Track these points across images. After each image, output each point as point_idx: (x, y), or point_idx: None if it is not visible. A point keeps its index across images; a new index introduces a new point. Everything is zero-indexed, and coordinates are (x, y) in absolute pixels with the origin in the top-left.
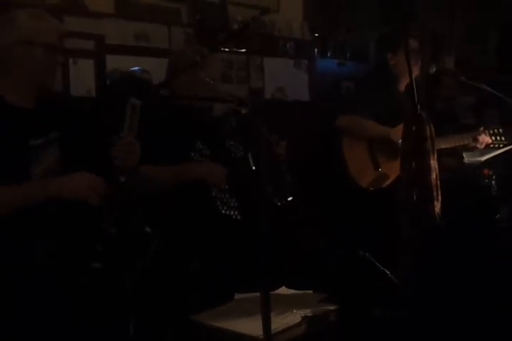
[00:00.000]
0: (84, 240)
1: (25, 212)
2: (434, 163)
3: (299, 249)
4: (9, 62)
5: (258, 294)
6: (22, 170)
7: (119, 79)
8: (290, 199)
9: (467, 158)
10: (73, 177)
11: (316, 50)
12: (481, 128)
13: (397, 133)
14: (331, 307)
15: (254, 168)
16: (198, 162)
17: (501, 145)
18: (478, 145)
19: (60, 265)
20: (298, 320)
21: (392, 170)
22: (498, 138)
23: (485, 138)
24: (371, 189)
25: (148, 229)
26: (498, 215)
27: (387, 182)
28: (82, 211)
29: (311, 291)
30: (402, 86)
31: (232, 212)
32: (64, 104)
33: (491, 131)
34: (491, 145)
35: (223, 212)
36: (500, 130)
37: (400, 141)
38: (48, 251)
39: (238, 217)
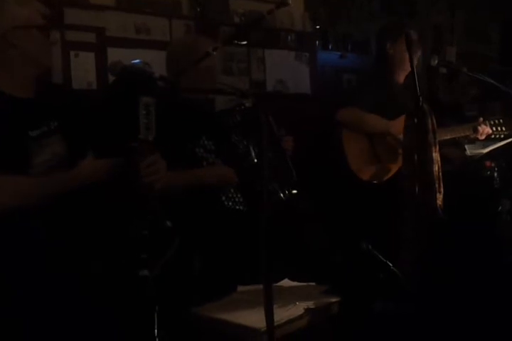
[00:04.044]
0: (129, 247)
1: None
2: (436, 156)
3: (303, 242)
4: (6, 50)
5: (261, 286)
6: (22, 161)
7: (123, 73)
8: (294, 192)
9: (469, 150)
10: (87, 168)
11: (317, 42)
12: (481, 119)
13: (396, 127)
14: (334, 300)
15: (256, 160)
16: (207, 165)
17: (502, 136)
18: (479, 136)
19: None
20: (300, 312)
21: (393, 163)
22: (499, 128)
23: (485, 129)
24: (372, 182)
25: (169, 224)
26: (500, 207)
27: (389, 176)
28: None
29: (313, 283)
30: (401, 77)
31: (237, 207)
32: (64, 94)
33: (492, 122)
34: (492, 136)
35: (228, 206)
36: (501, 120)
37: (400, 135)
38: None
39: (243, 211)
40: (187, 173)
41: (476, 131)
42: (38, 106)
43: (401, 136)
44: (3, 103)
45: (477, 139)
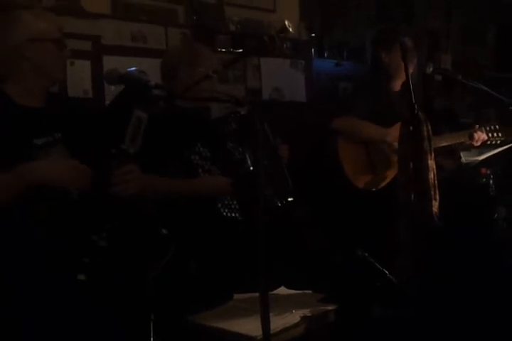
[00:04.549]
0: (72, 251)
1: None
2: (431, 163)
3: (302, 246)
4: (20, 62)
5: (257, 294)
6: None
7: (128, 87)
8: (290, 199)
9: (465, 157)
10: (59, 164)
11: (312, 50)
12: (476, 126)
13: (392, 135)
14: (330, 307)
15: (251, 168)
16: (203, 173)
17: (498, 142)
18: (475, 143)
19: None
20: (297, 320)
21: (389, 170)
22: (495, 134)
23: (481, 136)
24: (368, 190)
25: (164, 231)
26: (496, 214)
27: (384, 183)
28: (74, 220)
29: (310, 291)
30: (397, 85)
31: (233, 214)
32: (70, 105)
33: (488, 128)
34: (488, 142)
35: (225, 214)
36: (497, 126)
37: (396, 142)
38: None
39: (239, 218)
40: (185, 183)
41: (471, 137)
42: (45, 116)
43: (397, 144)
44: (12, 111)
45: (473, 146)
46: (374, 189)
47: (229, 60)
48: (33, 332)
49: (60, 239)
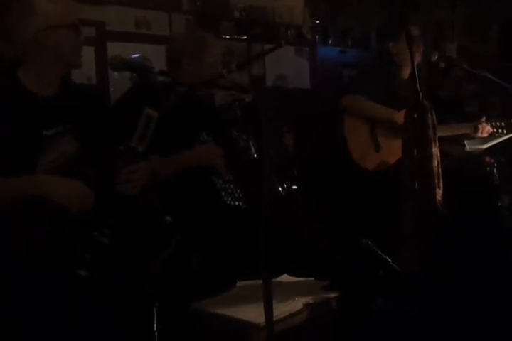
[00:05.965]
0: (73, 246)
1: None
2: (435, 151)
3: (303, 239)
4: (38, 49)
5: (260, 281)
6: (30, 160)
7: (140, 84)
8: (294, 187)
9: (469, 145)
10: (67, 184)
11: (317, 37)
12: (483, 118)
13: (401, 117)
14: (333, 295)
15: (255, 155)
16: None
17: (502, 136)
18: (479, 134)
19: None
20: (299, 308)
21: (393, 151)
22: (500, 130)
23: (486, 127)
24: (374, 170)
25: (168, 219)
26: (499, 203)
27: (389, 164)
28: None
29: (312, 279)
30: (405, 74)
31: (237, 203)
32: (83, 93)
33: (493, 123)
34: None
35: (228, 202)
36: (503, 123)
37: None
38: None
39: (243, 207)
40: (172, 157)
41: (476, 130)
42: (56, 106)
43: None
44: (24, 100)
45: (477, 137)
46: (380, 169)
47: (243, 61)
48: (34, 329)
49: (62, 234)
